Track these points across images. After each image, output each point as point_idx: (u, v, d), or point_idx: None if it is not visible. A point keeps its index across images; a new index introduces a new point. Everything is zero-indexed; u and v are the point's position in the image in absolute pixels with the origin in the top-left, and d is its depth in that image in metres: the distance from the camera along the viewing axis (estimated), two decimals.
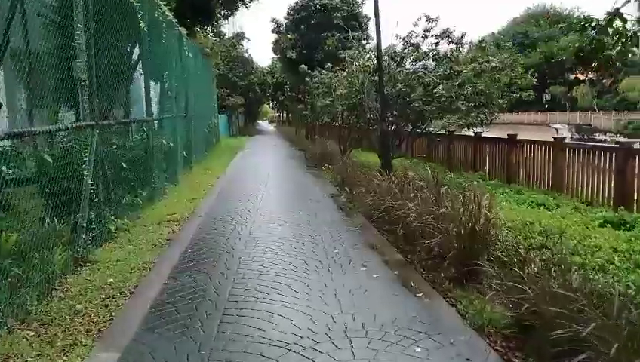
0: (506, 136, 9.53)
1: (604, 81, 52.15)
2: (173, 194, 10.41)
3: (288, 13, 23.67)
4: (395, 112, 8.51)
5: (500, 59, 7.92)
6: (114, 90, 8.25)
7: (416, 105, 8.14)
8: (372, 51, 10.68)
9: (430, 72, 8.25)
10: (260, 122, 71.22)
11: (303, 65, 22.78)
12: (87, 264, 5.67)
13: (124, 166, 7.61)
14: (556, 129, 35.71)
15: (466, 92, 7.60)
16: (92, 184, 6.14)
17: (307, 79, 16.50)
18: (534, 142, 8.90)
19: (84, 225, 5.94)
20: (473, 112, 7.81)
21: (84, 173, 6.03)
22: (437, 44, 8.94)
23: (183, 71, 14.33)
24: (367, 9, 23.49)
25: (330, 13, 21.05)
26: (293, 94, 38.82)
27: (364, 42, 19.59)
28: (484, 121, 8.01)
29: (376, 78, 9.49)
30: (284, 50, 24.96)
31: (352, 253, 5.67)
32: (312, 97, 16.99)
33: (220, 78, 34.87)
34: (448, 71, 7.88)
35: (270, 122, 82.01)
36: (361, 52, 11.78)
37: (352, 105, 10.19)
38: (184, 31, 13.96)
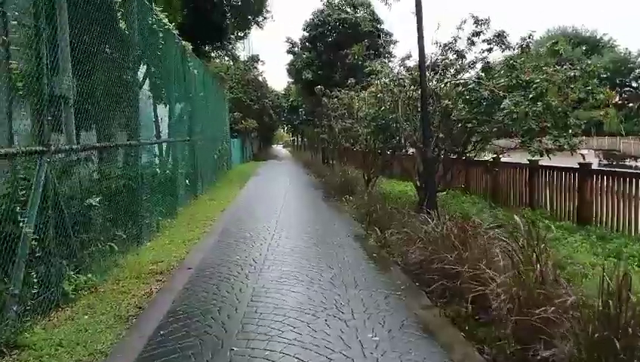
0: (576, 165, 7.63)
1: (630, 105, 49.80)
2: (167, 231, 8.74)
3: (304, 29, 22.25)
4: (439, 135, 6.71)
5: (582, 67, 6.08)
6: (98, 110, 6.63)
7: (469, 125, 6.32)
8: (404, 63, 8.98)
9: (483, 83, 6.43)
10: (274, 146, 70.21)
11: (319, 86, 21.28)
12: (15, 351, 3.93)
13: (95, 203, 5.90)
14: (582, 155, 33.37)
15: (538, 108, 5.76)
16: (34, 234, 4.44)
17: (325, 100, 14.84)
18: (620, 173, 6.99)
19: (17, 291, 4.22)
20: (554, 134, 5.88)
21: (20, 218, 4.33)
22: (490, 50, 7.16)
23: (187, 90, 12.82)
24: (388, 27, 21.99)
25: (348, 29, 19.52)
26: (308, 118, 37.43)
27: (386, 60, 17.99)
28: (569, 146, 6.09)
29: (413, 93, 7.77)
30: (299, 71, 23.52)
31: (399, 343, 3.78)
32: (329, 119, 15.32)
33: (233, 102, 33.65)
34: (514, 81, 6.04)
35: (285, 146, 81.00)
36: (385, 67, 10.09)
37: (379, 128, 8.47)
38: (189, 45, 12.47)
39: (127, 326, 4.34)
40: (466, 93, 6.57)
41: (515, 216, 3.72)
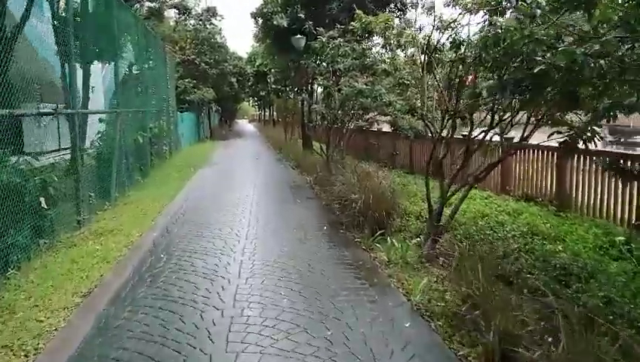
0: None
1: None
2: None
3: None
4: None
5: None
6: None
7: None
8: None
9: None
10: (238, 122, 62.77)
11: (298, 36, 14.69)
12: None
13: None
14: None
15: None
16: None
17: (322, 40, 8.33)
18: None
19: None
20: None
21: None
22: None
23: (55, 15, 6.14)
24: None
25: None
26: (280, 87, 30.51)
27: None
28: None
29: None
30: (268, 18, 16.68)
31: None
32: (328, 78, 8.87)
33: (184, 66, 26.43)
34: None
35: (250, 121, 73.51)
36: None
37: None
38: None
39: None
40: None
41: None
